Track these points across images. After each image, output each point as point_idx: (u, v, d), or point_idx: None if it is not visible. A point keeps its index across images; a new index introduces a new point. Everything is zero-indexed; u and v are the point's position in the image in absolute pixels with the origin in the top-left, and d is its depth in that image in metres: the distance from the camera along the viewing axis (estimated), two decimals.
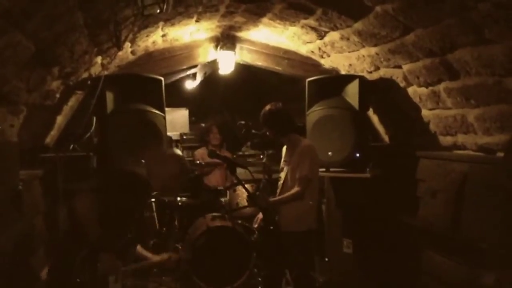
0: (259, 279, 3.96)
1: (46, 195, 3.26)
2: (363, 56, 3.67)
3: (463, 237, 3.00)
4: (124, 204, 2.53)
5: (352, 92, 3.91)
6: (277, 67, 4.72)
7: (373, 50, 3.45)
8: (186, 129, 6.27)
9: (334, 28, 3.39)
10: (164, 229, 4.27)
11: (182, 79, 5.82)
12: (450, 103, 3.09)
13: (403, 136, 4.19)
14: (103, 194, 2.50)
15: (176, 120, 6.19)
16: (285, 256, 3.30)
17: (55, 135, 3.74)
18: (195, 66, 5.22)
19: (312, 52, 4.27)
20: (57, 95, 3.14)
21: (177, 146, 6.10)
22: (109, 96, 3.56)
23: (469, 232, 2.96)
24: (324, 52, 4.11)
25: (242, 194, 4.41)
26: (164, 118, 3.83)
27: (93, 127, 3.60)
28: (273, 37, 4.31)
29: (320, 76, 4.20)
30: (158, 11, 2.70)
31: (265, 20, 3.76)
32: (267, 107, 3.49)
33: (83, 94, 3.70)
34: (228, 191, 4.63)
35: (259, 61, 4.73)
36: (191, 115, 6.39)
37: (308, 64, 4.54)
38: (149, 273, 3.20)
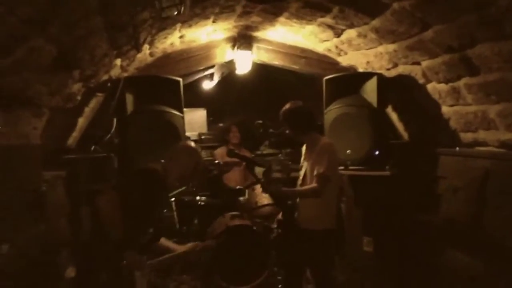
0: (279, 277, 3.97)
1: (68, 195, 3.33)
2: (381, 53, 3.64)
3: (485, 235, 2.96)
4: (144, 200, 2.57)
5: (370, 90, 3.89)
6: (294, 66, 4.72)
7: (391, 47, 3.43)
8: (204, 129, 6.28)
9: (351, 25, 3.37)
10: (184, 228, 4.31)
11: (199, 80, 5.84)
12: (471, 99, 3.05)
13: (423, 133, 4.14)
14: (123, 192, 2.53)
15: (195, 120, 6.21)
16: (305, 254, 3.29)
17: (77, 136, 3.81)
18: (212, 67, 5.25)
19: (329, 50, 4.26)
20: (78, 98, 3.20)
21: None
22: (129, 98, 3.63)
23: (491, 229, 2.92)
24: (341, 50, 4.09)
25: (261, 193, 4.41)
26: (183, 118, 3.88)
27: (113, 128, 3.67)
28: (290, 36, 4.30)
29: (337, 74, 4.19)
30: (176, 13, 2.74)
31: (281, 19, 3.77)
32: (288, 105, 3.47)
33: (103, 96, 3.76)
34: (247, 190, 4.65)
35: (276, 60, 4.73)
36: (209, 115, 6.40)
37: (325, 62, 4.52)
38: (172, 268, 3.21)
